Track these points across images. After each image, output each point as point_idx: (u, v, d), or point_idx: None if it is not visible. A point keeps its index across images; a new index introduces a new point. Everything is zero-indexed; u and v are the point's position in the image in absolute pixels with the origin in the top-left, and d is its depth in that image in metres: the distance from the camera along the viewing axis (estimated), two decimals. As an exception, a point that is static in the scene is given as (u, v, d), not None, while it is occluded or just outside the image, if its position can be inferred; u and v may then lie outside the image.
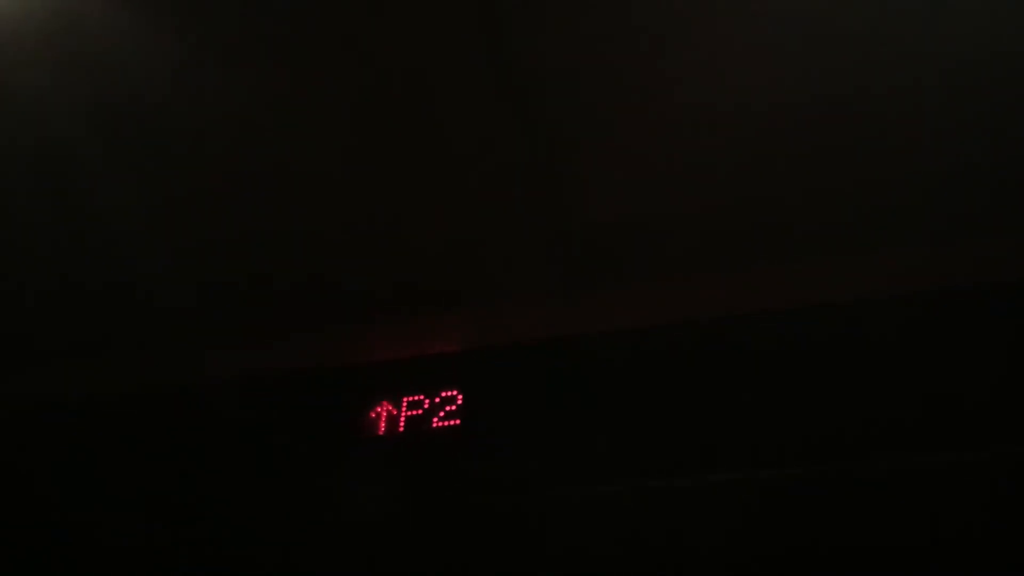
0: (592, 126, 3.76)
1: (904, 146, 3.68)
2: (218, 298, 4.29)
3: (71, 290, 4.31)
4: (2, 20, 3.37)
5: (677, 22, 3.45)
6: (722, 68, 3.54)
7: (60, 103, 3.53)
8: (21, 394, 4.43)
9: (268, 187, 4.00)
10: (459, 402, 4.11)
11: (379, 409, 4.21)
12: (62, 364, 4.49)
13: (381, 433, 4.17)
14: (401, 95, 3.65)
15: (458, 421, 4.10)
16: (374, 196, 3.94)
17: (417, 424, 4.15)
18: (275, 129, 3.82)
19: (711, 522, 3.65)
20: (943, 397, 3.60)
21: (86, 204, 3.90)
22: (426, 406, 4.16)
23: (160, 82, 3.62)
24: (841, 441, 3.66)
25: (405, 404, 4.18)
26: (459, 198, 3.90)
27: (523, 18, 3.47)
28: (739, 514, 3.63)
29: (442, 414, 4.12)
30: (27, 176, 3.76)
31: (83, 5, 3.33)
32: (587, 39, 3.52)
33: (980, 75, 3.49)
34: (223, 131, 3.80)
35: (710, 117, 3.62)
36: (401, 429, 4.16)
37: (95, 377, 4.43)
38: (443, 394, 4.14)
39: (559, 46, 3.53)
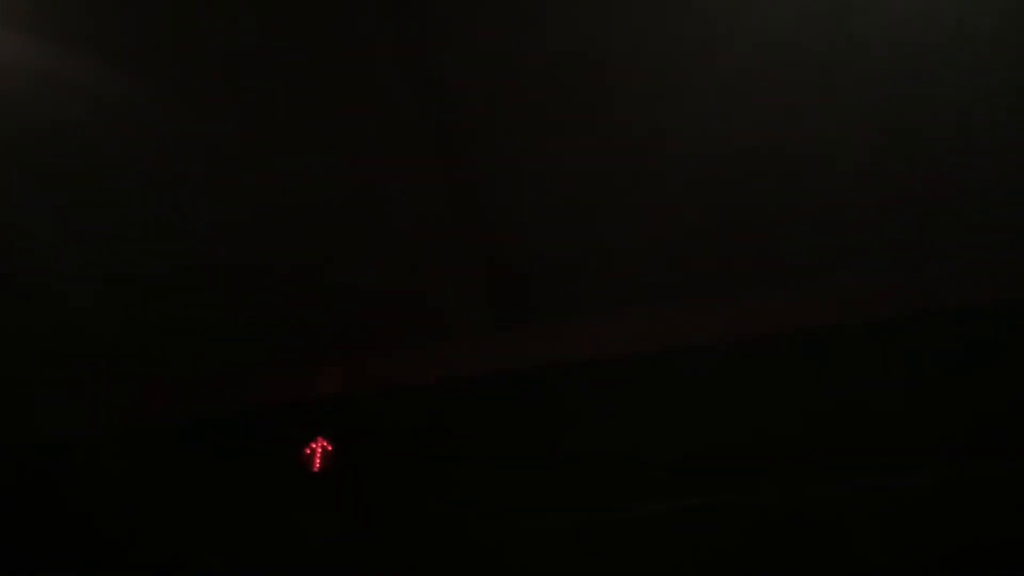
0: (518, 158, 3.71)
1: (844, 179, 3.66)
2: (151, 336, 4.22)
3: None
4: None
5: (618, 41, 3.37)
6: (659, 99, 3.48)
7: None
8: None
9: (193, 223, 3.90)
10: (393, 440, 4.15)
11: (314, 445, 4.22)
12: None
13: (316, 470, 4.20)
14: (327, 135, 3.56)
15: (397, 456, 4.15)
16: (298, 235, 3.87)
17: (355, 460, 4.17)
18: (209, 169, 3.70)
19: (640, 555, 3.75)
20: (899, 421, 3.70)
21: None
22: (364, 443, 4.18)
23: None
24: (774, 468, 3.75)
25: (342, 441, 4.20)
26: (387, 240, 3.84)
27: (444, 40, 3.38)
28: (664, 547, 3.73)
29: (380, 451, 4.15)
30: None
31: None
32: (513, 65, 3.44)
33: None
34: (153, 160, 3.66)
35: (645, 151, 3.58)
36: (337, 466, 4.18)
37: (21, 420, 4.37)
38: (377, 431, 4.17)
39: (485, 72, 3.44)
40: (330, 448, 4.19)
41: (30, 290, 4.07)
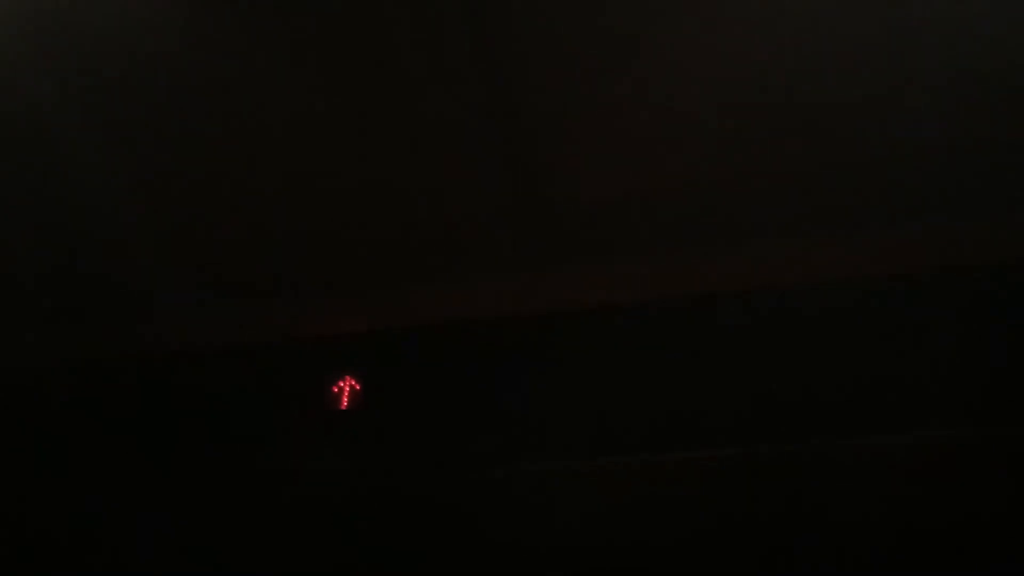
0: (565, 104, 3.67)
1: (889, 124, 3.60)
2: (182, 269, 4.21)
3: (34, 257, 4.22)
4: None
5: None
6: (703, 46, 3.44)
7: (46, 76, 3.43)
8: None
9: (234, 157, 3.90)
10: (423, 375, 4.11)
11: (342, 383, 4.19)
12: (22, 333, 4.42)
13: (344, 407, 4.17)
14: (380, 79, 3.55)
15: (423, 394, 4.11)
16: (346, 170, 3.84)
17: (381, 397, 4.14)
18: (247, 103, 3.69)
19: (676, 500, 3.69)
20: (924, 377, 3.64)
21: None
22: (392, 379, 4.15)
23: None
24: (814, 420, 3.69)
25: (368, 378, 4.17)
26: (432, 175, 3.81)
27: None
28: (700, 492, 3.67)
29: (409, 387, 4.11)
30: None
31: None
32: (564, 18, 3.42)
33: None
34: (197, 103, 3.67)
35: (687, 95, 3.53)
36: (364, 403, 4.15)
37: (58, 346, 4.36)
38: (409, 367, 4.13)
39: (536, 27, 3.43)
40: (358, 387, 4.16)
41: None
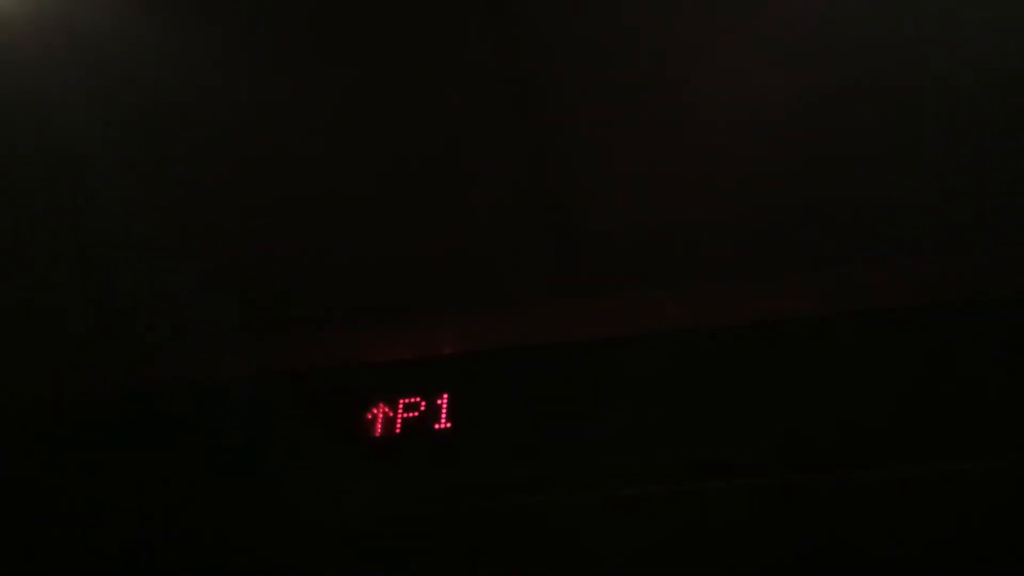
0: (595, 134, 3.84)
1: (914, 154, 3.75)
2: (215, 298, 4.31)
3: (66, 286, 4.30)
4: (13, 21, 3.36)
5: (684, 31, 3.52)
6: (729, 75, 3.63)
7: (73, 107, 3.55)
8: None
9: (269, 186, 4.04)
10: (456, 405, 4.18)
11: (375, 411, 4.26)
12: (53, 364, 4.48)
13: (378, 435, 4.23)
14: (409, 103, 3.70)
15: (451, 424, 4.18)
16: (379, 201, 3.99)
17: (413, 426, 4.21)
18: (277, 131, 3.85)
19: (707, 528, 3.76)
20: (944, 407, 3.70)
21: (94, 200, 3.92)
22: (423, 408, 4.22)
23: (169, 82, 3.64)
24: (846, 448, 3.72)
25: (401, 407, 4.24)
26: (462, 205, 3.96)
27: (529, 19, 3.53)
28: (737, 520, 3.73)
29: (441, 416, 4.18)
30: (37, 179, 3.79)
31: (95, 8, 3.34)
32: (592, 46, 3.60)
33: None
34: (231, 131, 3.81)
35: (715, 125, 3.72)
36: (398, 431, 4.21)
37: (89, 377, 4.42)
38: (440, 396, 4.21)
39: (566, 53, 3.60)
40: (391, 414, 4.23)
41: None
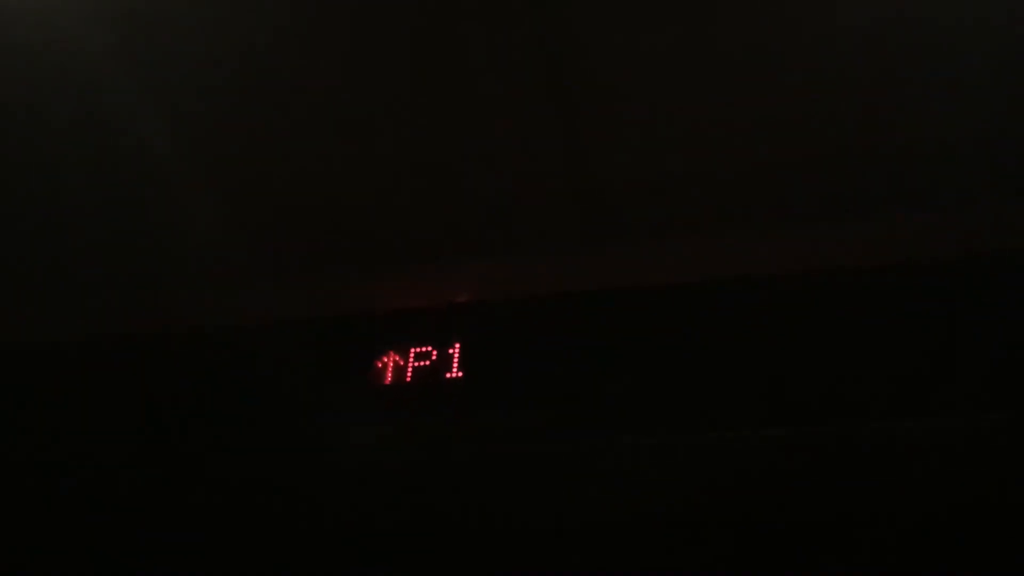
0: (621, 81, 3.75)
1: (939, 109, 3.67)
2: (228, 245, 4.26)
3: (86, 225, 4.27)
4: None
5: None
6: (758, 24, 3.53)
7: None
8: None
9: (293, 134, 3.97)
10: (468, 354, 4.13)
11: (385, 359, 4.21)
12: (62, 301, 4.45)
13: (387, 383, 4.18)
14: (439, 58, 3.64)
15: (463, 374, 4.12)
16: (395, 143, 3.91)
17: (424, 375, 4.16)
18: (314, 67, 3.77)
19: (719, 478, 3.70)
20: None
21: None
22: (434, 357, 4.17)
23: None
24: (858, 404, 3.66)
25: (412, 355, 4.19)
26: (480, 150, 3.89)
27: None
28: (747, 471, 3.68)
29: (453, 365, 4.13)
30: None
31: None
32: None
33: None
34: (265, 63, 3.74)
35: (740, 76, 3.62)
36: (408, 379, 4.16)
37: (99, 317, 4.39)
38: (452, 346, 4.16)
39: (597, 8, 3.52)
40: (402, 363, 4.18)
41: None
